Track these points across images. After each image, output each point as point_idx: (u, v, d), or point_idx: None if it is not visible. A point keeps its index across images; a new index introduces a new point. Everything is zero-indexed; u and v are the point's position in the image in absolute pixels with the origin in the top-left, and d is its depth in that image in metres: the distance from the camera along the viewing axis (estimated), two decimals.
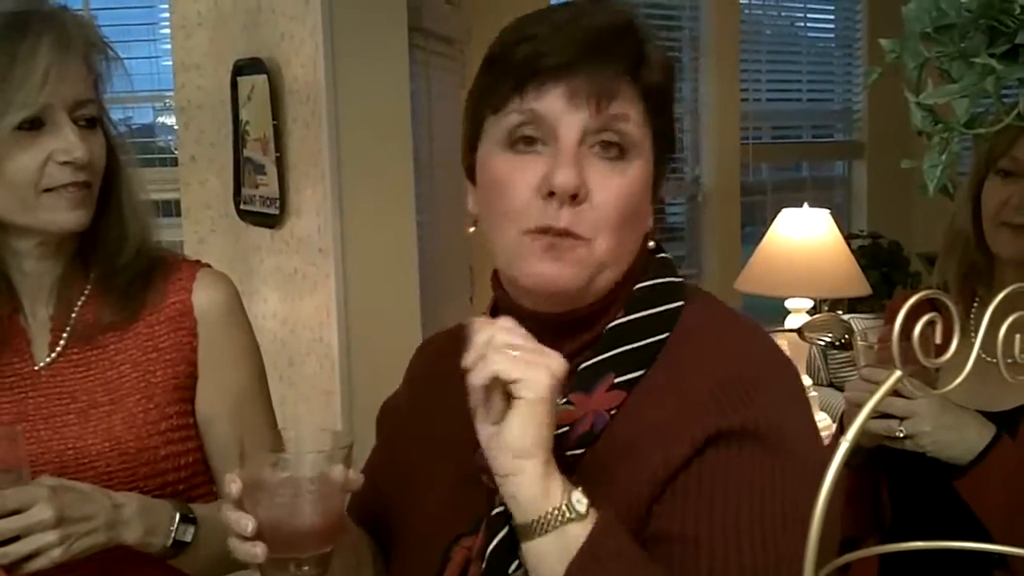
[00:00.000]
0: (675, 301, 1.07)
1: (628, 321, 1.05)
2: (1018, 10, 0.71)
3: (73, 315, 1.39)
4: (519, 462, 0.91)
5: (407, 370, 1.32)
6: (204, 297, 1.42)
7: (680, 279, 1.10)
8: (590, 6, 1.06)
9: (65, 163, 1.29)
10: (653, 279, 1.08)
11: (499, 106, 1.03)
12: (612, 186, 1.01)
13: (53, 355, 1.38)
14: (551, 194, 0.99)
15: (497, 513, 1.00)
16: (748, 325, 1.10)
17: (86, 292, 1.41)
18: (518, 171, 1.02)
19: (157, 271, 1.43)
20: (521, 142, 1.02)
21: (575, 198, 0.99)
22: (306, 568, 0.98)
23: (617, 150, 1.01)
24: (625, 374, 1.02)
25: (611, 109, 1.00)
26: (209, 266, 1.49)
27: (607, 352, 1.03)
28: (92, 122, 1.34)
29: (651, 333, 1.04)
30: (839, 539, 1.06)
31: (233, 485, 0.98)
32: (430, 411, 1.20)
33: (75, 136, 1.30)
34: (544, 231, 1.00)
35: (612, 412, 1.01)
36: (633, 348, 1.03)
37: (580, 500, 0.91)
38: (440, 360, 1.24)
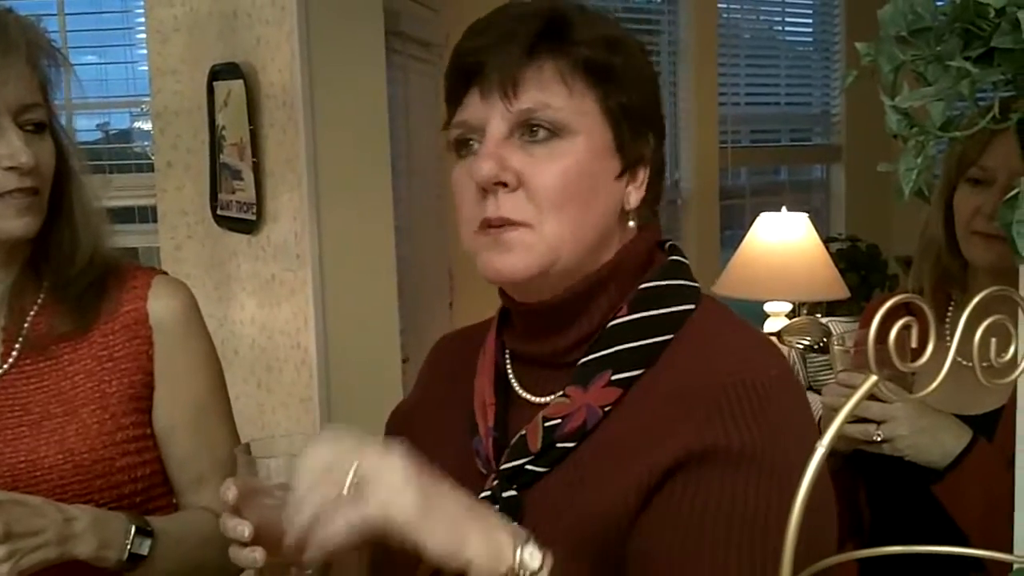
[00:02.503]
0: (686, 304, 1.06)
1: (630, 320, 1.04)
2: (992, 14, 0.71)
3: (26, 325, 1.36)
4: (454, 545, 0.86)
5: (419, 374, 1.32)
6: (160, 305, 1.39)
7: (695, 284, 1.09)
8: (521, 3, 1.06)
9: (10, 168, 1.26)
10: (662, 280, 1.07)
11: (447, 123, 1.08)
12: (546, 168, 1.00)
13: (5, 366, 1.35)
14: (485, 190, 1.01)
15: (482, 498, 1.01)
16: (757, 334, 1.09)
17: (39, 301, 1.37)
18: (464, 175, 1.04)
19: (111, 279, 1.39)
20: (463, 147, 1.05)
21: (506, 186, 1.00)
22: (308, 572, 0.97)
23: (546, 132, 1.01)
24: (623, 372, 1.01)
25: (523, 97, 1.00)
26: (165, 273, 1.46)
27: (606, 349, 1.03)
28: (40, 127, 1.31)
29: (655, 333, 1.03)
30: (835, 539, 1.04)
31: (229, 492, 0.97)
32: (436, 404, 1.22)
33: (20, 141, 1.26)
34: (484, 226, 1.02)
35: (607, 408, 1.01)
36: (634, 347, 1.02)
37: (532, 555, 0.87)
38: (450, 358, 1.26)
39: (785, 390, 0.99)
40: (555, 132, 1.01)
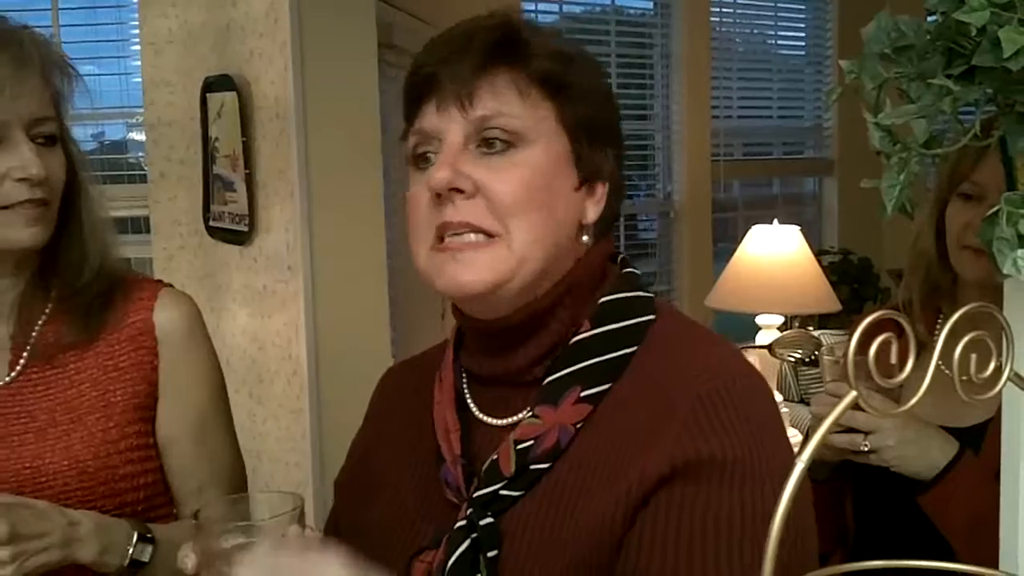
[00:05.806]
0: (645, 315, 1.06)
1: (594, 335, 1.03)
2: (974, 32, 0.72)
3: (33, 334, 1.38)
4: None
5: (368, 407, 1.30)
6: (165, 317, 1.41)
7: (650, 294, 1.09)
8: (475, 19, 1.06)
9: (21, 180, 1.28)
10: (620, 292, 1.07)
11: (404, 135, 1.07)
12: (505, 177, 1.00)
13: (13, 374, 1.37)
14: (439, 196, 1.00)
15: (458, 528, 1.00)
16: (721, 340, 1.08)
17: (47, 311, 1.39)
18: (420, 188, 1.03)
19: (118, 290, 1.42)
20: (421, 159, 1.04)
21: (462, 193, 0.99)
22: None
23: (502, 144, 1.01)
24: (592, 387, 1.01)
25: (478, 105, 1.00)
26: (171, 285, 1.48)
27: (573, 365, 1.02)
28: (51, 139, 1.33)
29: (619, 346, 1.03)
30: (817, 549, 1.04)
31: (188, 560, 0.96)
32: (395, 435, 1.20)
33: (32, 153, 1.28)
34: (441, 233, 1.01)
35: (579, 425, 1.00)
36: (600, 361, 1.02)
37: None
38: (401, 390, 1.25)
39: (758, 394, 1.00)
40: (512, 142, 1.01)
